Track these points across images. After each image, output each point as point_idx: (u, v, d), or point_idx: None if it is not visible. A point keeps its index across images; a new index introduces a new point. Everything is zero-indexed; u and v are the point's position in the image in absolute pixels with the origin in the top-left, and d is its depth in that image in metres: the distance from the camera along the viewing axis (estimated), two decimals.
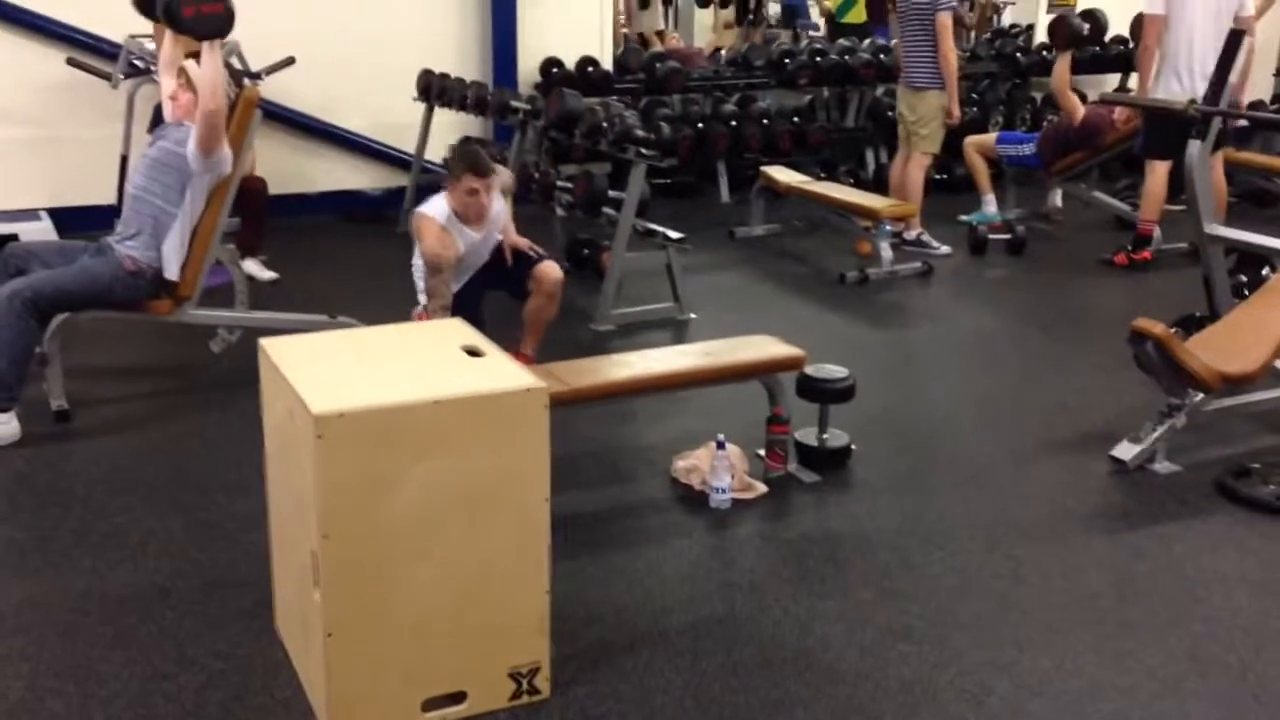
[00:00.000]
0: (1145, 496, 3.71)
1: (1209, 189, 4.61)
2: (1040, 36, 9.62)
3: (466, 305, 4.12)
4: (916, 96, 6.71)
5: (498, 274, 4.39)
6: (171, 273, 4.16)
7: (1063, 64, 6.98)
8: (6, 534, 3.35)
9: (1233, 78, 4.45)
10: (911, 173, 6.80)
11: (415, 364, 2.63)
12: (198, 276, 4.28)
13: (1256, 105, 9.11)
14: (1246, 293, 4.78)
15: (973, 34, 10.23)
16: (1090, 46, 7.98)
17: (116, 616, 2.93)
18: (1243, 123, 6.40)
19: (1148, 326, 3.74)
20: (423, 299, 4.20)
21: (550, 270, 4.36)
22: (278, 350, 2.63)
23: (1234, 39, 4.47)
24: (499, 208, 4.27)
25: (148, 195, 4.13)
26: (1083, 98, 8.34)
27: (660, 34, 10.96)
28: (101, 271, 4.05)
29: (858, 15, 10.77)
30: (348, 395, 2.38)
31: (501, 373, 2.57)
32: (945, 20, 6.47)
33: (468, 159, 4.13)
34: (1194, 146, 4.42)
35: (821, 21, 11.91)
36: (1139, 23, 7.36)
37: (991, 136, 7.54)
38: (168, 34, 4.26)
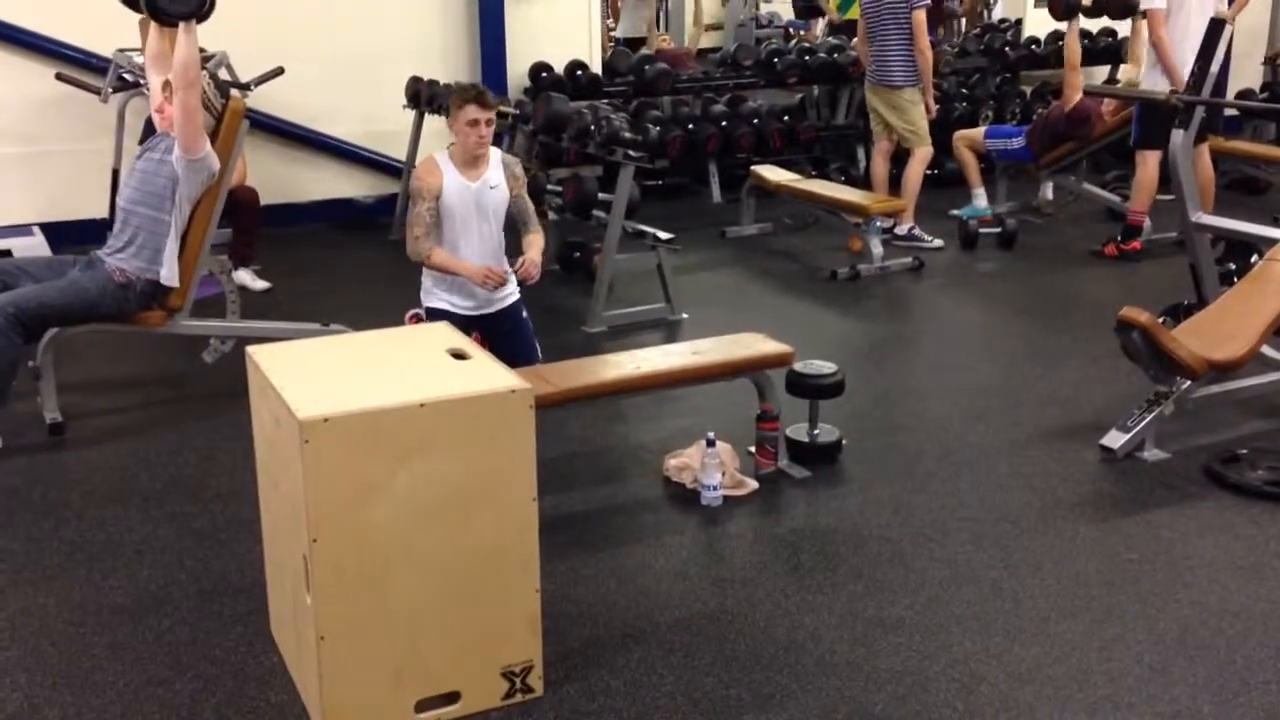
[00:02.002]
0: (1134, 484, 3.73)
1: (1193, 178, 4.64)
2: (1029, 31, 9.65)
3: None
4: (894, 95, 6.76)
5: (497, 346, 3.97)
6: (174, 280, 4.17)
7: (1073, 35, 6.90)
8: (2, 545, 3.37)
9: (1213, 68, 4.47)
10: (912, 169, 6.84)
11: (401, 368, 2.65)
12: (189, 288, 4.30)
13: (1245, 94, 9.14)
14: (1235, 280, 4.80)
15: (962, 23, 10.24)
16: (1090, 16, 7.72)
17: (112, 625, 2.95)
18: (1231, 111, 6.43)
19: (1133, 315, 3.76)
20: (418, 307, 4.18)
21: None
22: (264, 357, 2.65)
23: (1214, 29, 4.49)
24: (499, 176, 4.03)
25: (138, 207, 4.15)
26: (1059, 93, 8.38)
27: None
28: (88, 286, 4.07)
29: (856, 12, 10.76)
30: (333, 400, 2.40)
31: (487, 375, 2.59)
32: (920, 18, 6.54)
33: (472, 89, 3.97)
34: (1177, 136, 4.44)
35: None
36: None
37: (980, 131, 7.56)
38: (153, 26, 4.23)
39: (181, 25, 3.96)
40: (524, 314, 4.18)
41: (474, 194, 3.99)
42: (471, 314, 4.05)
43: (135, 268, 4.13)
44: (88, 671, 2.76)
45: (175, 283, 4.19)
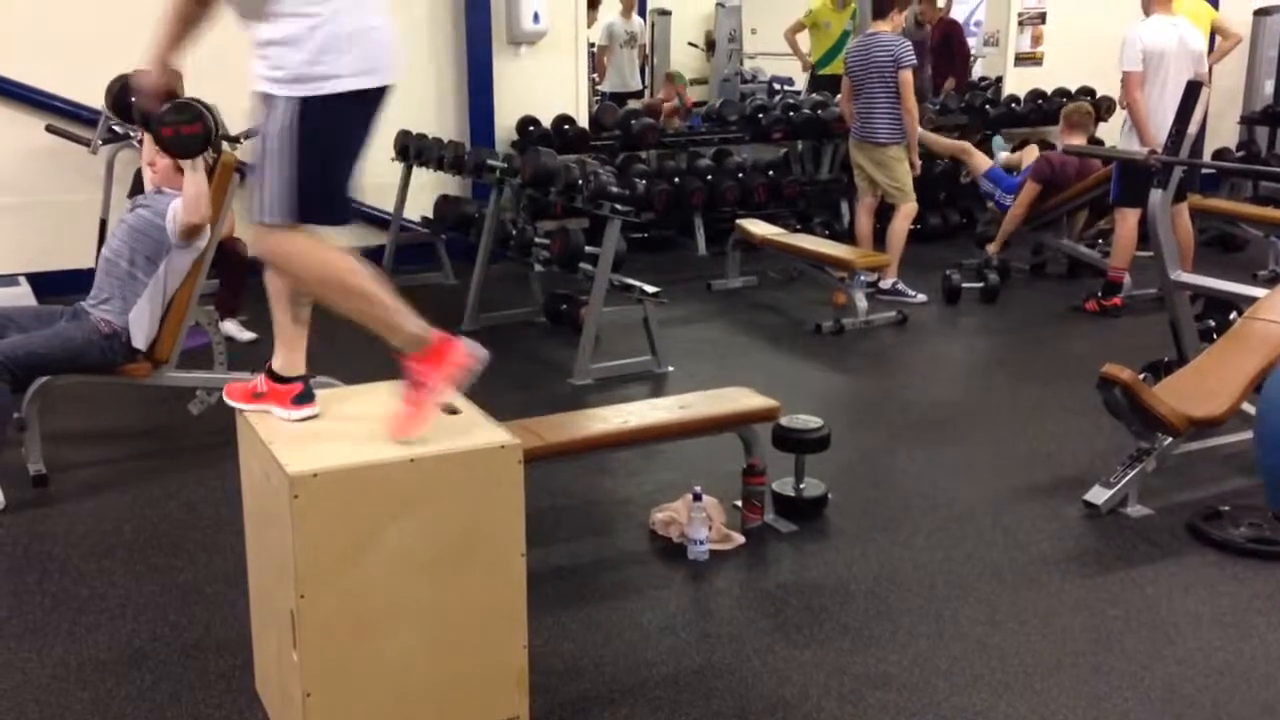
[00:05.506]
0: (1118, 540, 3.75)
1: (1172, 237, 4.71)
2: (1009, 89, 9.80)
3: None
4: (880, 152, 6.87)
5: None
6: (138, 341, 4.17)
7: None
8: None
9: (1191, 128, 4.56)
10: (896, 225, 6.93)
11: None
12: (175, 339, 4.30)
13: (1222, 153, 9.30)
14: (1215, 337, 4.86)
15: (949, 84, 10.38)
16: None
17: (95, 681, 2.93)
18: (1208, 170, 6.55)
19: (1115, 372, 3.80)
20: None
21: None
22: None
23: (1192, 90, 4.59)
24: None
25: (120, 260, 4.16)
26: (1050, 146, 8.52)
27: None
28: (75, 335, 4.07)
29: (838, 68, 10.92)
30: (323, 455, 2.41)
31: (476, 430, 2.60)
32: (907, 77, 6.67)
33: None
34: (1155, 195, 4.52)
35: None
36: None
37: (986, 162, 7.70)
38: (148, 137, 4.32)
39: (186, 165, 4.08)
40: None
41: None
42: None
43: (121, 321, 4.14)
44: None
45: (141, 345, 4.19)
